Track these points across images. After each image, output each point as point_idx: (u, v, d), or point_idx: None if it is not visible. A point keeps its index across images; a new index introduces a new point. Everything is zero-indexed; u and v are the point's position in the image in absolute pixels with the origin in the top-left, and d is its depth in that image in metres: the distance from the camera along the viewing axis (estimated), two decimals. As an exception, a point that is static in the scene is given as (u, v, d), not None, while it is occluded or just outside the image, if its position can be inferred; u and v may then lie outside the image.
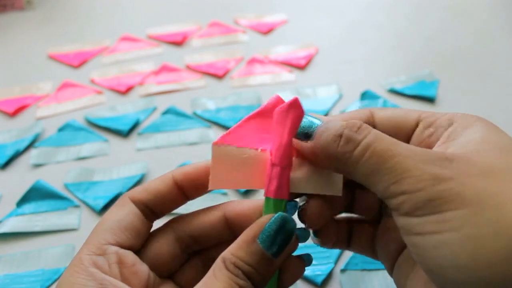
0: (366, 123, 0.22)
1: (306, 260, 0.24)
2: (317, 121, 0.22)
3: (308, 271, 0.37)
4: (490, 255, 0.17)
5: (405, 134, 0.24)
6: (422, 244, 0.19)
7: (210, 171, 0.23)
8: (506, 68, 0.61)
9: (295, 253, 0.24)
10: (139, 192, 0.25)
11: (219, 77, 0.62)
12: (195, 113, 0.55)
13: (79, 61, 0.66)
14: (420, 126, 0.23)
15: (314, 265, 0.38)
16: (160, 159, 0.49)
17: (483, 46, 0.66)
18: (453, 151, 0.20)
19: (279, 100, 0.24)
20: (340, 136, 0.20)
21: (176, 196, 0.25)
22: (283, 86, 0.60)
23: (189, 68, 0.64)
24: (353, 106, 0.55)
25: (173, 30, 0.72)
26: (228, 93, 0.59)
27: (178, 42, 0.69)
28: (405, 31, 0.70)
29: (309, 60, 0.64)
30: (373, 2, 0.78)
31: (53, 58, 0.67)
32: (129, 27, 0.73)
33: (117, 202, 0.25)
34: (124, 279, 0.22)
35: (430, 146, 0.22)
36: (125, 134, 0.53)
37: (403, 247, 0.25)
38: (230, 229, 0.25)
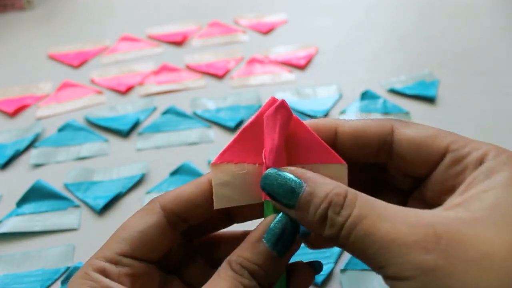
0: (380, 142, 0.22)
1: (317, 267, 0.24)
2: (292, 184, 0.20)
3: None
4: None
5: (428, 162, 0.21)
6: None
7: (213, 191, 0.23)
8: (506, 69, 0.61)
9: (306, 260, 0.24)
10: (170, 199, 0.23)
11: (219, 77, 0.62)
12: (195, 113, 0.55)
13: (79, 61, 0.66)
14: (448, 158, 0.21)
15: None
16: (160, 159, 0.49)
17: (483, 46, 0.66)
18: (449, 221, 0.18)
19: (274, 102, 0.24)
20: (325, 218, 0.19)
21: (211, 205, 0.23)
22: (283, 86, 0.60)
23: (189, 68, 0.64)
24: (353, 106, 0.55)
25: (173, 30, 0.72)
26: (228, 93, 0.59)
27: (178, 42, 0.69)
28: (405, 31, 0.70)
29: (309, 60, 0.64)
30: (373, 3, 0.78)
31: (53, 58, 0.67)
32: (129, 27, 0.73)
33: (146, 207, 0.24)
34: None
35: (453, 189, 0.20)
36: (125, 134, 0.53)
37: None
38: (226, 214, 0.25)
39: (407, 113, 0.54)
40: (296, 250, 0.22)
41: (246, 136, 0.23)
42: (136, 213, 0.23)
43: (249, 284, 0.20)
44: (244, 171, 0.23)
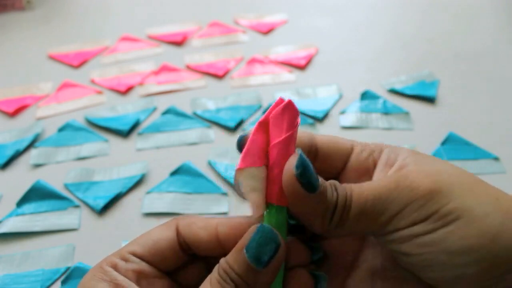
0: (308, 146, 0.24)
1: (320, 279, 0.23)
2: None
3: None
4: (489, 230, 0.20)
5: (343, 155, 0.25)
6: (428, 242, 0.21)
7: (249, 199, 0.22)
8: (506, 68, 0.61)
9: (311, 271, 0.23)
10: (185, 225, 0.24)
11: (219, 77, 0.62)
12: (195, 113, 0.55)
13: (79, 61, 0.66)
14: (356, 149, 0.25)
15: None
16: (160, 159, 0.49)
17: (483, 46, 0.66)
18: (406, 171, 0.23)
19: (281, 103, 0.23)
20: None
21: (214, 244, 0.24)
22: (283, 86, 0.60)
23: (189, 68, 0.64)
24: (353, 106, 0.55)
25: (173, 30, 0.72)
26: (228, 93, 0.59)
27: (178, 42, 0.69)
28: (405, 31, 0.70)
29: (309, 60, 0.64)
30: (373, 3, 0.78)
31: (53, 58, 0.67)
32: (129, 27, 0.73)
33: (168, 222, 0.25)
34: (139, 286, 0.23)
35: (369, 168, 0.25)
36: (125, 134, 0.53)
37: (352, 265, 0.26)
38: (221, 246, 0.24)
39: (407, 113, 0.54)
40: (281, 262, 0.22)
41: (259, 138, 0.23)
42: (158, 226, 0.25)
43: None
44: (265, 173, 0.22)
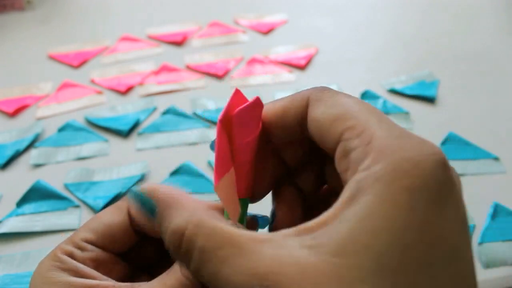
0: (298, 119, 0.20)
1: (261, 223, 0.24)
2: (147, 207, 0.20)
3: None
4: None
5: (326, 148, 0.19)
6: None
7: (226, 209, 0.21)
8: (506, 68, 0.61)
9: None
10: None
11: (219, 77, 0.62)
12: (195, 113, 0.55)
13: (79, 61, 0.66)
14: (339, 149, 0.18)
15: None
16: (160, 159, 0.49)
17: (483, 46, 0.66)
18: (283, 271, 0.15)
19: (239, 95, 0.22)
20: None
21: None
22: (283, 86, 0.60)
23: (189, 68, 0.64)
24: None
25: (173, 30, 0.72)
26: (228, 93, 0.58)
27: (178, 42, 0.69)
28: (405, 31, 0.70)
29: (309, 60, 0.64)
30: (373, 3, 0.78)
31: (53, 58, 0.67)
32: (129, 27, 0.73)
33: (118, 203, 0.25)
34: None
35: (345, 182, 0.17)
36: (125, 134, 0.53)
37: None
38: None
39: (407, 113, 0.54)
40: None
41: (223, 139, 0.21)
42: (108, 208, 0.25)
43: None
44: (234, 175, 0.21)
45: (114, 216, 0.24)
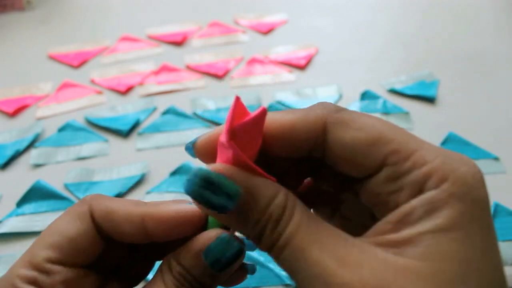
0: (310, 141, 0.19)
1: (250, 269, 0.24)
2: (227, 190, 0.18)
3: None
4: None
5: (363, 170, 0.18)
6: None
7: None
8: (506, 68, 0.61)
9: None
10: (102, 214, 0.21)
11: (219, 77, 0.62)
12: (195, 113, 0.55)
13: (79, 61, 0.66)
14: (384, 172, 0.18)
15: None
16: (160, 159, 0.49)
17: (483, 46, 0.66)
18: (378, 266, 0.16)
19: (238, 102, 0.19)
20: (263, 233, 0.18)
21: (140, 235, 0.21)
22: (283, 86, 0.60)
23: (189, 68, 0.64)
24: (353, 106, 0.55)
25: (173, 30, 0.72)
26: (228, 93, 0.59)
27: (178, 42, 0.69)
28: (405, 31, 0.70)
29: (309, 60, 0.64)
30: (373, 3, 0.78)
31: (53, 58, 0.67)
32: (129, 27, 0.73)
33: (75, 209, 0.21)
34: None
35: (388, 204, 0.18)
36: (125, 134, 0.53)
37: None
38: (147, 234, 0.22)
39: (407, 113, 0.54)
40: (237, 267, 0.21)
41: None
42: (64, 215, 0.21)
43: None
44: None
45: (75, 225, 0.21)
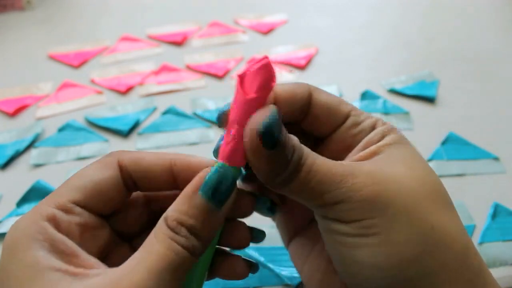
0: (301, 101, 0.24)
1: (257, 234, 0.25)
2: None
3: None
4: (401, 257, 0.20)
5: (334, 123, 0.25)
6: (345, 243, 0.21)
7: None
8: (506, 68, 0.61)
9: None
10: (130, 162, 0.23)
11: (219, 77, 0.62)
12: (195, 113, 0.55)
13: (79, 61, 0.66)
14: (349, 122, 0.25)
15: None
16: (160, 159, 0.49)
17: (483, 46, 0.66)
18: (371, 167, 0.22)
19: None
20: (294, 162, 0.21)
21: (167, 180, 0.23)
22: (283, 86, 0.60)
23: (189, 68, 0.64)
24: (353, 106, 0.55)
25: (173, 30, 0.72)
26: (228, 93, 0.59)
27: (178, 42, 0.69)
28: (405, 31, 0.70)
29: (309, 60, 0.64)
30: (373, 3, 0.78)
31: (53, 58, 0.67)
32: (129, 27, 0.73)
33: (104, 159, 0.23)
34: (81, 240, 0.21)
35: (351, 146, 0.25)
36: (125, 134, 0.53)
37: (303, 227, 0.27)
38: (175, 180, 0.23)
39: (407, 113, 0.54)
40: (233, 202, 0.22)
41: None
42: (92, 164, 0.23)
43: (186, 243, 0.20)
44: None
45: (102, 171, 0.22)
